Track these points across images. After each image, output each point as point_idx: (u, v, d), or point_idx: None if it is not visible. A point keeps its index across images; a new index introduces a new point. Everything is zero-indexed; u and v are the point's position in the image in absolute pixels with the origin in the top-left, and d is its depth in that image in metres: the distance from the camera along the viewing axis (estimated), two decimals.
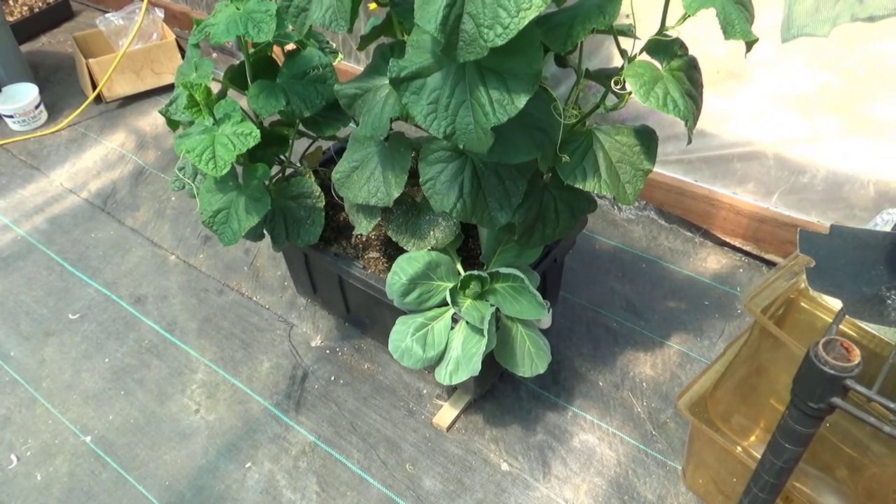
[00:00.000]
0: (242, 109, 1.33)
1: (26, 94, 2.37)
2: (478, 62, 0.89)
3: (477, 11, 0.81)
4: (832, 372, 0.56)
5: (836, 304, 0.94)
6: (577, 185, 1.02)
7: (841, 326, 0.88)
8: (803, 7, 1.41)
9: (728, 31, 0.85)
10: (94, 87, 2.41)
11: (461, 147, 0.94)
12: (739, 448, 1.03)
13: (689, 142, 0.95)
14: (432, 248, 1.26)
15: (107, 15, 2.50)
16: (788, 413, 0.62)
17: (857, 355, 0.56)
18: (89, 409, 1.54)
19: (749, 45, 0.91)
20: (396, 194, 1.17)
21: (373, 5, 1.15)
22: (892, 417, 0.56)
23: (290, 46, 1.37)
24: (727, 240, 1.79)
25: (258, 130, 1.18)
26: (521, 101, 0.88)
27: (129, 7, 2.52)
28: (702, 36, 1.22)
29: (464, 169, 1.08)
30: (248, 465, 1.43)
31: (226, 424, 1.50)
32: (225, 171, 1.14)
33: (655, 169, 1.83)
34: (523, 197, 1.09)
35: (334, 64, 1.37)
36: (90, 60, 2.38)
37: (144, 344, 1.68)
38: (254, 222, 1.26)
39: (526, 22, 0.79)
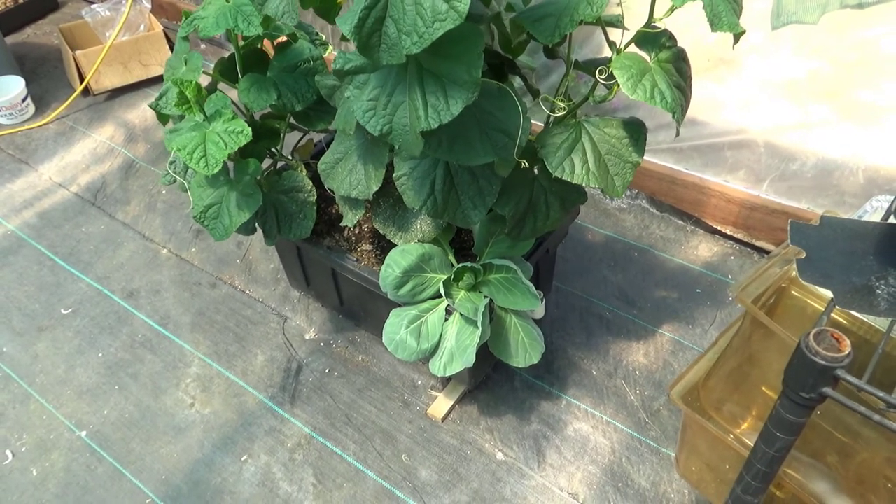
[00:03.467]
0: (233, 102, 1.32)
1: (13, 86, 2.34)
2: (419, 64, 0.89)
3: (398, 16, 0.81)
4: (823, 363, 0.57)
5: (826, 292, 0.95)
6: (564, 178, 1.02)
7: (832, 314, 0.89)
8: None
9: (715, 24, 0.85)
10: (82, 80, 2.38)
11: (395, 147, 0.94)
12: (732, 436, 1.04)
13: (678, 134, 0.96)
14: (420, 241, 1.26)
15: (93, 6, 2.47)
16: (780, 403, 0.63)
17: (847, 346, 0.57)
18: (84, 404, 1.54)
19: (737, 37, 0.91)
20: (375, 188, 1.17)
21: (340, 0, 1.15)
22: (881, 406, 0.56)
23: (281, 39, 1.36)
24: (718, 227, 1.80)
25: (250, 128, 1.17)
26: (457, 108, 0.88)
27: None
28: (692, 23, 1.22)
29: (436, 166, 1.08)
30: (245, 457, 1.43)
31: (221, 418, 1.50)
32: (216, 170, 1.13)
33: (647, 157, 1.84)
34: (513, 189, 1.09)
35: (325, 56, 1.37)
36: (77, 52, 2.35)
37: (138, 338, 1.67)
38: (245, 218, 1.26)
39: (439, 33, 0.79)
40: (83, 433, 1.49)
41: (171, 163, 1.44)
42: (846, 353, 0.57)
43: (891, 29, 1.34)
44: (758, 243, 1.75)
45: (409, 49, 0.81)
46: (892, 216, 0.62)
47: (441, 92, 0.89)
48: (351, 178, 1.22)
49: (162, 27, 2.49)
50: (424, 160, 1.09)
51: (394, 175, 1.12)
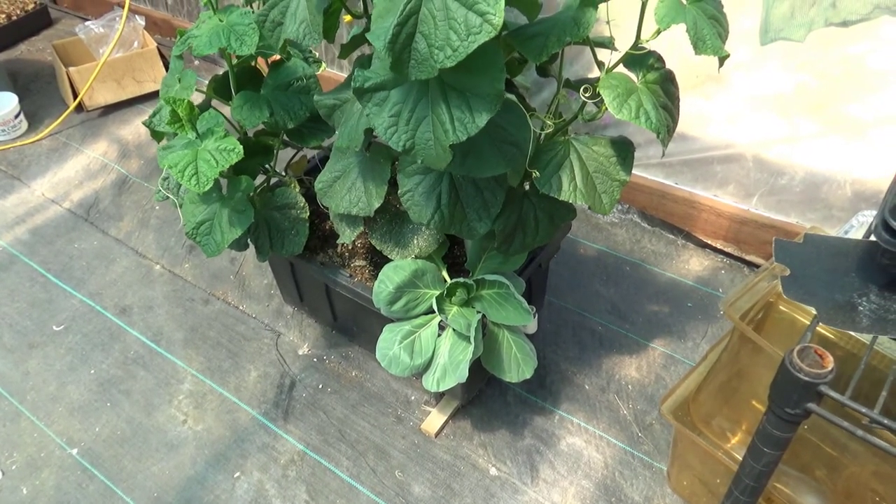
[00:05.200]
0: (227, 119, 1.33)
1: (6, 103, 2.34)
2: (441, 79, 0.90)
3: (429, 32, 0.82)
4: (807, 379, 0.58)
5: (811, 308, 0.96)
6: (552, 195, 1.03)
7: (819, 328, 0.90)
8: (779, 12, 1.44)
9: (699, 47, 0.87)
10: (75, 96, 2.39)
11: (420, 162, 0.95)
12: (722, 451, 1.05)
13: (664, 153, 0.97)
14: (416, 257, 1.27)
15: (86, 23, 2.49)
16: (766, 418, 0.64)
17: (830, 362, 0.58)
18: (75, 422, 1.53)
19: (721, 60, 0.92)
20: (377, 204, 1.18)
21: (347, 18, 1.16)
22: (864, 421, 0.57)
23: (275, 57, 1.37)
24: (709, 242, 1.81)
25: (241, 146, 1.18)
26: (483, 120, 0.89)
27: (108, 14, 2.50)
28: (680, 41, 1.24)
29: (441, 180, 1.09)
30: (237, 474, 1.43)
31: (214, 434, 1.50)
32: (208, 188, 1.14)
33: (637, 172, 1.86)
34: (503, 205, 1.10)
35: (318, 73, 1.38)
36: (70, 69, 2.36)
37: (130, 355, 1.67)
38: (237, 234, 1.26)
39: (475, 46, 0.80)
40: (74, 451, 1.48)
41: (164, 179, 1.44)
42: (829, 369, 0.58)
43: (876, 45, 1.37)
44: (748, 257, 1.77)
45: (442, 63, 0.82)
46: (872, 234, 0.63)
47: (465, 105, 0.90)
48: (350, 196, 1.22)
49: (156, 44, 2.50)
50: (429, 175, 1.11)
51: (399, 191, 1.13)
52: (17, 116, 2.35)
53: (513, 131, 1.01)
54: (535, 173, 1.04)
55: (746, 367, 1.01)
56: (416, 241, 1.26)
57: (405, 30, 0.82)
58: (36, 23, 2.94)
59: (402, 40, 0.83)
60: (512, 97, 1.21)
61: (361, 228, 1.28)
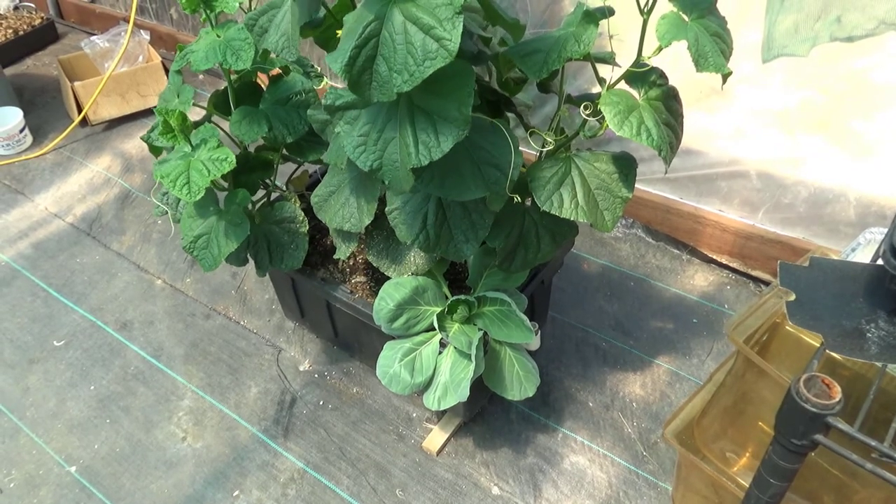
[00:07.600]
0: (227, 134, 1.32)
1: (11, 117, 2.35)
2: (410, 101, 0.90)
3: (389, 55, 0.82)
4: (814, 410, 0.56)
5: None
6: (552, 212, 1.02)
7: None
8: (783, 27, 1.42)
9: (700, 64, 0.86)
10: (80, 111, 2.40)
11: (385, 183, 0.95)
12: (726, 476, 1.03)
13: (666, 171, 0.95)
14: (413, 274, 1.25)
15: (92, 37, 2.50)
16: (772, 449, 0.62)
17: (837, 392, 0.56)
18: (74, 439, 1.52)
19: (724, 77, 0.91)
20: (367, 221, 1.17)
21: (339, 32, 1.16)
22: (873, 455, 0.55)
23: (275, 71, 1.37)
24: (714, 257, 1.79)
25: (234, 156, 1.17)
26: (448, 145, 0.88)
27: (114, 29, 2.51)
28: (683, 56, 1.23)
29: (429, 200, 1.08)
30: (236, 493, 1.41)
31: (213, 452, 1.48)
32: (199, 197, 1.13)
33: (642, 187, 1.84)
34: (503, 222, 1.09)
35: (320, 87, 1.37)
36: (75, 83, 2.37)
37: (130, 370, 1.66)
38: (233, 247, 1.25)
39: (430, 71, 0.80)
40: (73, 468, 1.47)
41: (163, 195, 1.44)
42: (837, 399, 0.56)
43: (881, 60, 1.35)
44: (753, 273, 1.75)
45: (399, 87, 0.82)
46: (880, 258, 0.61)
47: (431, 128, 0.89)
48: (343, 212, 1.21)
49: (160, 58, 2.51)
50: (416, 194, 1.09)
51: (386, 209, 1.11)
52: (21, 131, 2.36)
53: (495, 153, 0.99)
54: (517, 198, 1.03)
55: (751, 389, 0.99)
56: (411, 258, 1.24)
57: (364, 52, 0.82)
58: (42, 38, 2.96)
59: (360, 63, 0.83)
60: (510, 117, 1.20)
61: (357, 244, 1.27)
